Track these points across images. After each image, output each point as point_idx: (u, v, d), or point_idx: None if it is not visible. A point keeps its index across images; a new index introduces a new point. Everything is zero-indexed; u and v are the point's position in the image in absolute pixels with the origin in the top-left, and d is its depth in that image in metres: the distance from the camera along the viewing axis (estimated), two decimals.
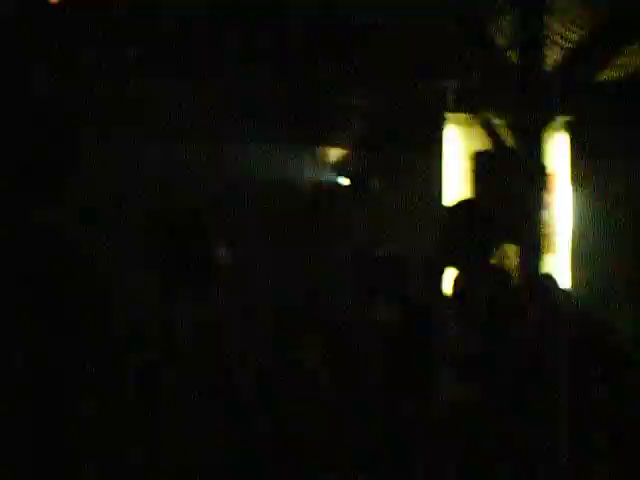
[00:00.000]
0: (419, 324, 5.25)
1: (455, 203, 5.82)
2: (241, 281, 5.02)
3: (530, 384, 4.80)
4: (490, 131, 8.45)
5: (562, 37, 7.34)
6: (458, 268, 5.27)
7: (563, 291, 5.86)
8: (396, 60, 8.14)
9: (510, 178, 7.66)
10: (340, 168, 8.84)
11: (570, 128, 8.26)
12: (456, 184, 8.52)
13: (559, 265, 7.52)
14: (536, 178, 7.52)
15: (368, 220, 8.63)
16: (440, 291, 5.40)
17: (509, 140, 7.95)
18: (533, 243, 7.26)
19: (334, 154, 8.96)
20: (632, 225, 8.75)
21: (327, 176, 8.79)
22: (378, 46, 8.10)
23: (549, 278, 6.07)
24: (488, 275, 5.42)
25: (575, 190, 7.95)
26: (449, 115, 8.64)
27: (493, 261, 6.62)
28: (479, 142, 8.46)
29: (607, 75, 7.40)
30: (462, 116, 8.61)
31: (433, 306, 5.39)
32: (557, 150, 8.15)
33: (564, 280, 7.48)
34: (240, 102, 7.95)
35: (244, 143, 8.26)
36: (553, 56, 7.09)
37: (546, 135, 7.72)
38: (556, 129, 8.21)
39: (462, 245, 5.24)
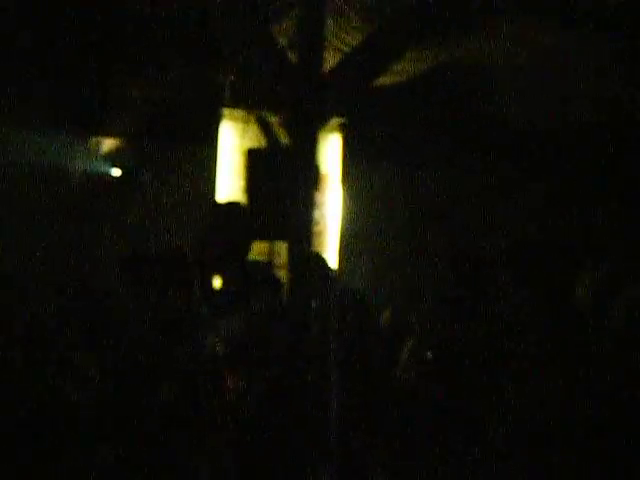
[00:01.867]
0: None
1: (214, 205, 5.93)
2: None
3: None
4: (265, 129, 8.50)
5: (342, 41, 7.47)
6: (213, 268, 5.37)
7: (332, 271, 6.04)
8: (172, 51, 8.07)
9: (283, 176, 7.73)
10: (112, 159, 8.67)
11: (344, 130, 8.44)
12: (230, 180, 8.54)
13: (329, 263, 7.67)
14: (309, 177, 7.62)
15: (140, 213, 8.50)
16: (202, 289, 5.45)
17: (283, 139, 8.02)
18: (304, 241, 7.34)
19: (107, 144, 8.78)
20: (403, 226, 9.05)
21: (99, 166, 8.61)
22: (153, 36, 8.01)
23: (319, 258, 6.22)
24: (247, 273, 5.54)
25: (346, 190, 8.13)
26: (225, 111, 8.64)
27: (258, 258, 6.72)
28: (254, 139, 8.51)
29: (384, 80, 7.61)
30: (238, 112, 8.63)
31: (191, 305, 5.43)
32: (330, 151, 8.32)
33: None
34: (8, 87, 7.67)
35: (11, 129, 7.97)
36: (332, 59, 7.21)
37: (320, 136, 7.83)
38: (330, 130, 8.38)
39: (216, 245, 5.38)
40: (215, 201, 8.09)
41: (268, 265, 7.16)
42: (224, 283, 5.72)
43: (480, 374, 4.74)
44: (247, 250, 5.85)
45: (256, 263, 6.56)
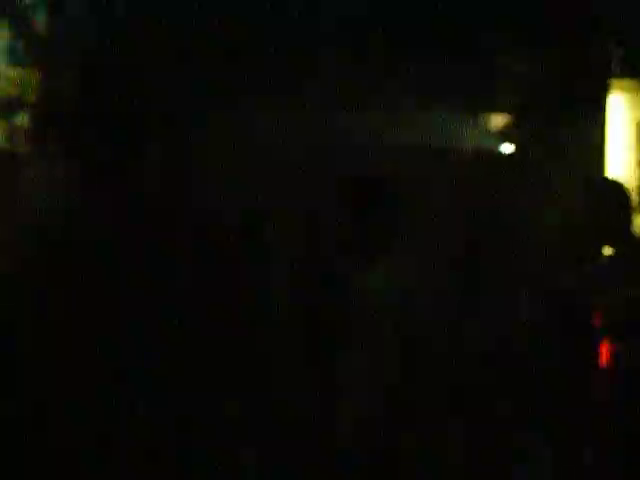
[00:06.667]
0: None
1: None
2: None
3: None
4: None
5: None
6: (610, 245, 5.24)
7: None
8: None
9: None
10: (503, 135, 8.76)
11: None
12: (620, 154, 8.43)
13: None
14: None
15: (529, 190, 8.51)
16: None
17: None
18: None
19: (497, 120, 8.87)
20: None
21: (490, 143, 8.73)
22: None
23: None
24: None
25: None
26: (614, 81, 8.50)
27: None
28: None
29: None
30: (628, 82, 8.46)
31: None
32: None
33: None
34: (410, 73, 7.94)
35: (412, 111, 8.24)
36: None
37: None
38: None
39: (616, 224, 5.24)
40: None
41: None
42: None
43: None
44: (622, 236, 5.33)
45: None
